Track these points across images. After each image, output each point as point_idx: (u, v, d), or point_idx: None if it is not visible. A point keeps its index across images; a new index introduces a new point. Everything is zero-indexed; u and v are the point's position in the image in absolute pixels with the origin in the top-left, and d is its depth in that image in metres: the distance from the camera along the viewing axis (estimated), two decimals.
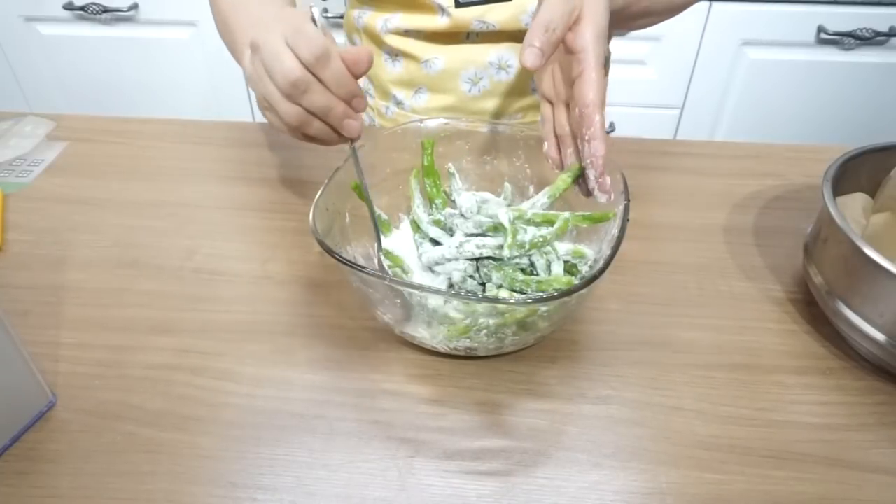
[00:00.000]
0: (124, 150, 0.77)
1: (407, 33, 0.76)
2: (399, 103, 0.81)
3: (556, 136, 0.55)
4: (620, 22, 0.67)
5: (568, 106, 0.53)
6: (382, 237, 0.55)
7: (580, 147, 0.51)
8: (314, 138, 0.51)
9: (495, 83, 0.77)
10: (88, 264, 0.61)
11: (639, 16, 0.68)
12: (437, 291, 0.44)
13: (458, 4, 0.72)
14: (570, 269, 0.53)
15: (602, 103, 0.48)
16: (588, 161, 0.50)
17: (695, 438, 0.47)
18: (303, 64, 0.46)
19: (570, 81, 0.49)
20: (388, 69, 0.79)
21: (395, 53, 0.78)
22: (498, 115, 0.80)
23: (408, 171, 0.60)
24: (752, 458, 0.45)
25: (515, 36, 0.75)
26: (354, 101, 0.49)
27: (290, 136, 0.52)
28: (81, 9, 1.44)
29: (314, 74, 0.47)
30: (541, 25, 0.47)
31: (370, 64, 0.48)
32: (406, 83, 0.80)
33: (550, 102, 0.55)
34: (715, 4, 1.32)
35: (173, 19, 1.46)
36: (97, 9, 1.44)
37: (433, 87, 0.78)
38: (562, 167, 0.55)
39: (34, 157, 0.76)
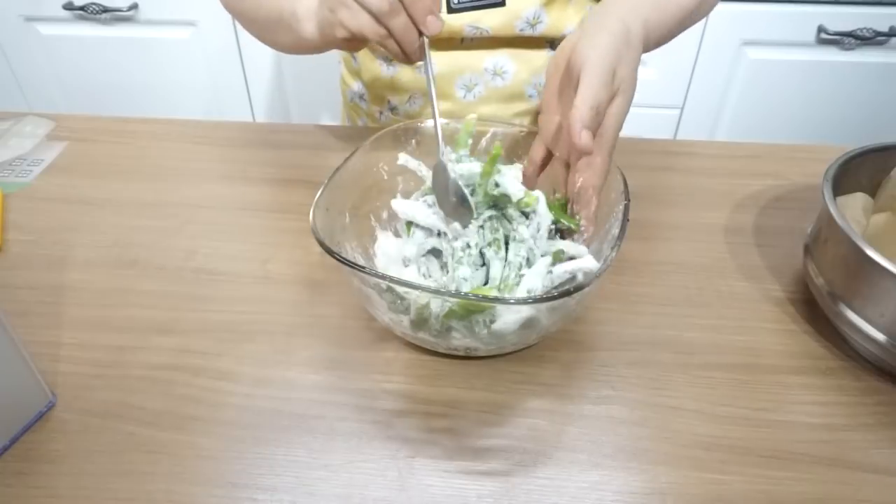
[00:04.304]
0: (124, 150, 0.77)
1: None
2: (393, 108, 0.81)
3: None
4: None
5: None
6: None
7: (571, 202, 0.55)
8: (390, 34, 0.51)
9: (490, 89, 0.77)
10: (88, 264, 0.61)
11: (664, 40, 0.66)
12: (436, 291, 0.44)
13: (450, 10, 0.72)
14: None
15: (601, 187, 0.52)
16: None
17: (694, 438, 0.47)
18: None
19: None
20: (383, 73, 0.79)
21: (390, 57, 0.78)
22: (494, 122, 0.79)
23: (405, 172, 0.58)
24: (751, 458, 0.45)
25: (510, 42, 0.75)
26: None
27: (356, 34, 0.52)
28: (81, 9, 1.44)
29: None
30: (589, 106, 0.48)
31: None
32: (401, 88, 0.79)
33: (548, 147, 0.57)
34: None
35: (173, 19, 1.46)
36: (97, 9, 1.44)
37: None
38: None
39: (34, 157, 0.76)
